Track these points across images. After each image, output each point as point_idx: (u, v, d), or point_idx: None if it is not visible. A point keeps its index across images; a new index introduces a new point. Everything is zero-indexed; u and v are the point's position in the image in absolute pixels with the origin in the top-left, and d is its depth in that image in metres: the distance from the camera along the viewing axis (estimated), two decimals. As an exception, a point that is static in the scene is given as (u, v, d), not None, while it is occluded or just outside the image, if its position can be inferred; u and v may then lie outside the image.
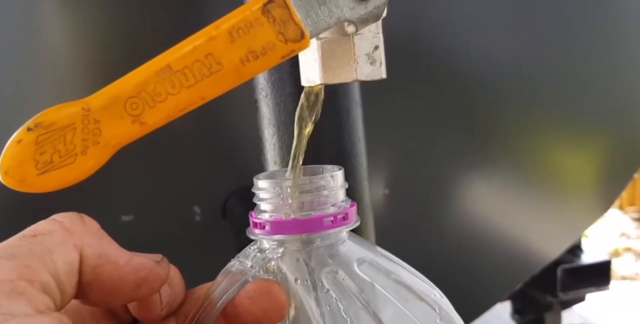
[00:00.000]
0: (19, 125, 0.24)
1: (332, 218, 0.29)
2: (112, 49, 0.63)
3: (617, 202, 3.13)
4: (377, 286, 0.30)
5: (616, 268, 2.49)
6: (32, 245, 0.22)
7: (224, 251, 0.69)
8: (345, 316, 0.29)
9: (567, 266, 1.18)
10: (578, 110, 0.89)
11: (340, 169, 0.30)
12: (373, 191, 0.75)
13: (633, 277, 2.49)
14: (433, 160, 0.81)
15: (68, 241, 0.23)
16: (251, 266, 0.28)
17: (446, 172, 0.83)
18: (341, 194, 0.30)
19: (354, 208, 0.30)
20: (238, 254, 0.30)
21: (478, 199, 0.87)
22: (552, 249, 0.98)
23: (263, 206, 0.30)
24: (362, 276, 0.30)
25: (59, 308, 0.23)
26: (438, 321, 0.30)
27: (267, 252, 0.29)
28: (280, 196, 0.29)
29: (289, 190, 0.29)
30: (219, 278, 0.28)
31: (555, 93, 0.86)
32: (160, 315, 0.27)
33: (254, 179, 0.30)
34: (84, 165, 0.24)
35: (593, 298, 1.42)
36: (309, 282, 0.29)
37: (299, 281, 0.29)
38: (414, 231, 0.82)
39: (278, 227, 0.29)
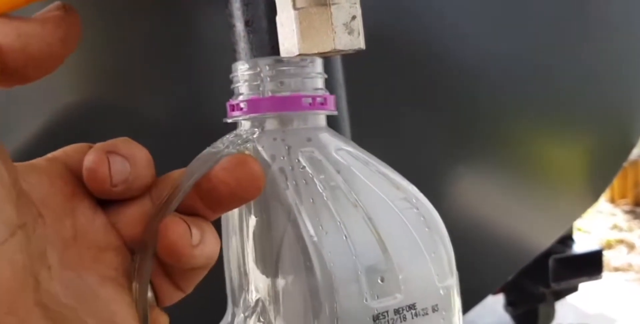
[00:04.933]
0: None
1: (310, 100, 0.29)
2: (101, 59, 0.62)
3: (608, 195, 3.15)
4: (353, 170, 0.30)
5: (609, 259, 2.51)
6: None
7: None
8: (320, 191, 0.28)
9: (558, 256, 1.18)
10: (566, 100, 0.89)
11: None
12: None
13: (626, 268, 2.50)
14: (421, 154, 0.81)
15: None
16: (226, 146, 0.28)
17: (434, 166, 0.83)
18: (320, 82, 0.30)
19: (333, 97, 0.30)
20: (212, 144, 0.29)
21: (467, 192, 0.87)
22: (543, 239, 0.98)
23: (241, 88, 0.29)
24: (339, 160, 0.30)
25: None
26: (412, 209, 0.32)
27: (243, 134, 0.29)
28: (259, 75, 0.29)
29: (267, 68, 0.29)
30: (193, 162, 0.27)
31: (543, 85, 0.86)
32: (113, 191, 0.25)
33: (232, 65, 0.30)
34: None
35: (586, 289, 1.42)
36: (285, 158, 0.29)
37: (275, 159, 0.29)
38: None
39: (255, 105, 0.29)
